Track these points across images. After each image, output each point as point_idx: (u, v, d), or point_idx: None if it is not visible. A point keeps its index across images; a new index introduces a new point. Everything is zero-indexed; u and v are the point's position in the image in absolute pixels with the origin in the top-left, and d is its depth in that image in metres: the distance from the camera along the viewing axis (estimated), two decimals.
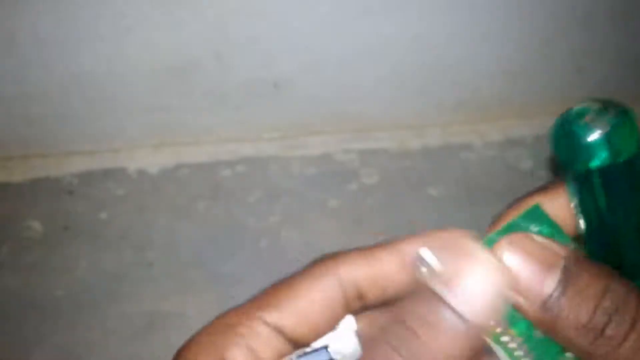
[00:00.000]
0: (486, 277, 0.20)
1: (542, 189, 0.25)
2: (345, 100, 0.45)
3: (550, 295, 0.21)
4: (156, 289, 0.38)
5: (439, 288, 0.19)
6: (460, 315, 0.20)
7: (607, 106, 0.21)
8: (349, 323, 0.23)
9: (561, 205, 0.24)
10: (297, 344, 0.23)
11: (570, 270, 0.22)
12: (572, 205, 0.24)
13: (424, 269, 0.20)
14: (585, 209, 0.23)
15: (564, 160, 0.22)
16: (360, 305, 0.23)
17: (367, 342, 0.20)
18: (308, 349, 0.22)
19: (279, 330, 0.23)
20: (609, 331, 0.21)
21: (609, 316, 0.21)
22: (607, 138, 0.21)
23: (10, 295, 0.40)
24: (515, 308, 0.23)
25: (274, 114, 0.45)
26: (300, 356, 0.22)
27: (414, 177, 0.45)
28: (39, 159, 0.46)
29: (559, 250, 0.22)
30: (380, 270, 0.23)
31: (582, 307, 0.21)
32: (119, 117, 0.44)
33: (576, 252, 0.23)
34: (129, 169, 0.46)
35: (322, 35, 0.41)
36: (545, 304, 0.21)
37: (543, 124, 0.52)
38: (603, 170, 0.22)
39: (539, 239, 0.23)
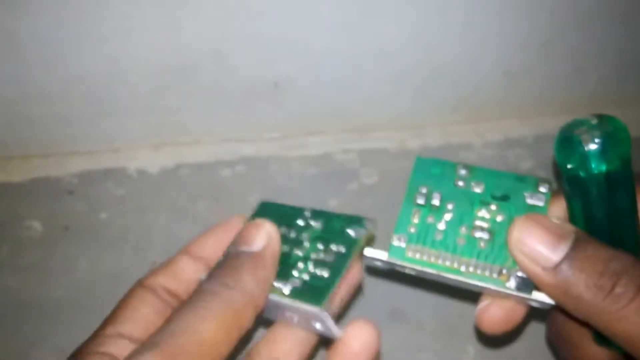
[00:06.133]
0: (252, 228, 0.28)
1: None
2: (345, 100, 0.45)
3: (562, 260, 0.24)
4: None
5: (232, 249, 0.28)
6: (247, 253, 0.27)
7: (603, 119, 0.25)
8: None
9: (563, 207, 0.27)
10: None
11: (580, 240, 0.25)
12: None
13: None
14: (574, 209, 0.26)
15: (561, 166, 0.26)
16: (177, 300, 0.30)
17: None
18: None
19: (123, 337, 0.28)
20: (618, 289, 0.23)
21: (617, 276, 0.24)
22: (602, 149, 0.25)
23: (10, 295, 0.40)
24: (531, 278, 0.26)
25: (274, 114, 0.46)
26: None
27: None
28: (39, 159, 0.46)
29: (570, 227, 0.25)
30: (176, 269, 0.31)
31: (592, 268, 0.24)
32: (119, 117, 0.44)
33: (583, 231, 0.25)
34: (129, 169, 0.46)
35: (322, 35, 0.41)
36: (557, 268, 0.24)
37: (543, 124, 0.53)
38: (596, 177, 0.25)
39: (553, 218, 0.26)
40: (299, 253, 0.29)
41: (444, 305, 0.39)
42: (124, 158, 0.46)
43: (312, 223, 0.30)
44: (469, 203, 0.28)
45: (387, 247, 0.28)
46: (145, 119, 0.45)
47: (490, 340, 0.38)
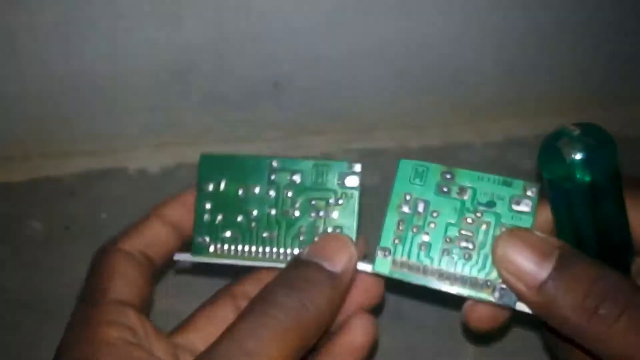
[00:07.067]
0: (340, 245, 0.27)
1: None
2: (345, 100, 0.45)
3: (547, 280, 0.24)
4: (156, 288, 0.38)
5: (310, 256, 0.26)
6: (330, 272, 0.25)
7: (586, 130, 0.24)
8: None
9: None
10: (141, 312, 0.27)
11: (565, 258, 0.24)
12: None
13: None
14: (560, 218, 0.27)
15: (545, 177, 0.25)
16: (152, 266, 0.28)
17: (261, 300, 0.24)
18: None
19: (126, 305, 0.26)
20: (602, 311, 0.23)
21: (602, 297, 0.23)
22: (584, 161, 0.24)
23: (10, 295, 0.40)
24: (517, 294, 0.25)
25: (274, 114, 0.46)
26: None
27: None
28: (39, 159, 0.46)
29: (555, 242, 0.25)
30: (151, 233, 0.29)
31: (577, 289, 0.24)
32: (119, 117, 0.44)
33: (569, 245, 0.25)
34: (129, 169, 0.46)
35: (322, 35, 0.41)
36: (542, 287, 0.24)
37: (543, 124, 0.52)
38: (580, 188, 0.24)
39: (537, 233, 0.26)
40: (297, 214, 0.29)
41: (444, 305, 0.39)
42: (124, 158, 0.46)
43: (293, 177, 0.29)
44: (453, 210, 0.27)
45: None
46: (145, 119, 0.45)
47: (489, 339, 0.38)
